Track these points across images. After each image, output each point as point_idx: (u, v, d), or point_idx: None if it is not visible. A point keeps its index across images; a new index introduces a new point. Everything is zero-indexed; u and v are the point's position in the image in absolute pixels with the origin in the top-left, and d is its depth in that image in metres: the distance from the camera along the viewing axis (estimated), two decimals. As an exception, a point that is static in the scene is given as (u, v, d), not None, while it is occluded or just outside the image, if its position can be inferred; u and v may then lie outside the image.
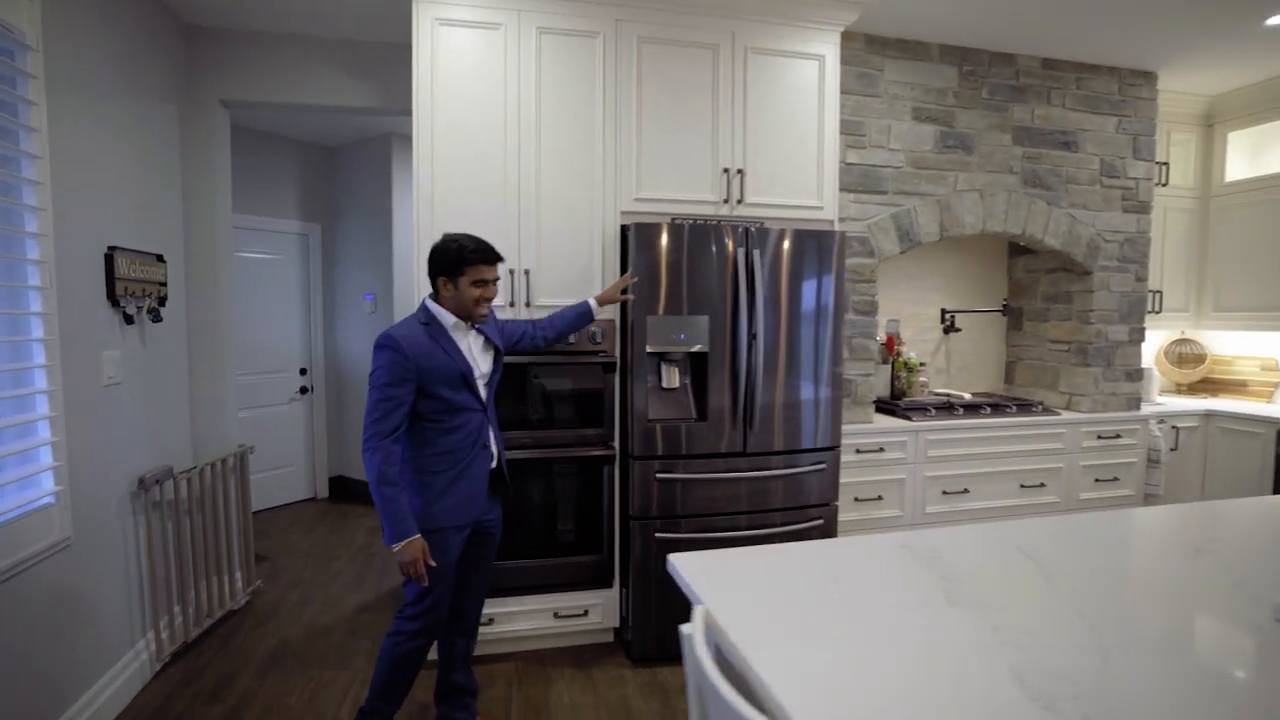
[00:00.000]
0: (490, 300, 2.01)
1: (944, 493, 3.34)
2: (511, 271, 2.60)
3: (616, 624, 2.82)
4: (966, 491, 3.37)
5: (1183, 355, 4.44)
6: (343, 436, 5.14)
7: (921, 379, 3.71)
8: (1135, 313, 3.74)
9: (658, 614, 2.67)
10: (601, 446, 2.72)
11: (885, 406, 3.55)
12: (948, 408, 3.44)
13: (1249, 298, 3.98)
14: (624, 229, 2.67)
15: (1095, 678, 0.97)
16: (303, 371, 5.00)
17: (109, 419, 2.36)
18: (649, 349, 2.62)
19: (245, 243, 4.52)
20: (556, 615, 2.73)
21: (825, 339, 2.77)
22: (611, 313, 2.68)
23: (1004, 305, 4.11)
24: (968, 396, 3.71)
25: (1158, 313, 4.10)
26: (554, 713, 2.38)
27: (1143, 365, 3.84)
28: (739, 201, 2.80)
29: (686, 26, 2.72)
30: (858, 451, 3.17)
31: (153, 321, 2.63)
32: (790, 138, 2.85)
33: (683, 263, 2.61)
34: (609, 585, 2.78)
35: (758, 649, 1.05)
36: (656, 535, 2.64)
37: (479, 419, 2.03)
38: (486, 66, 2.57)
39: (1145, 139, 3.68)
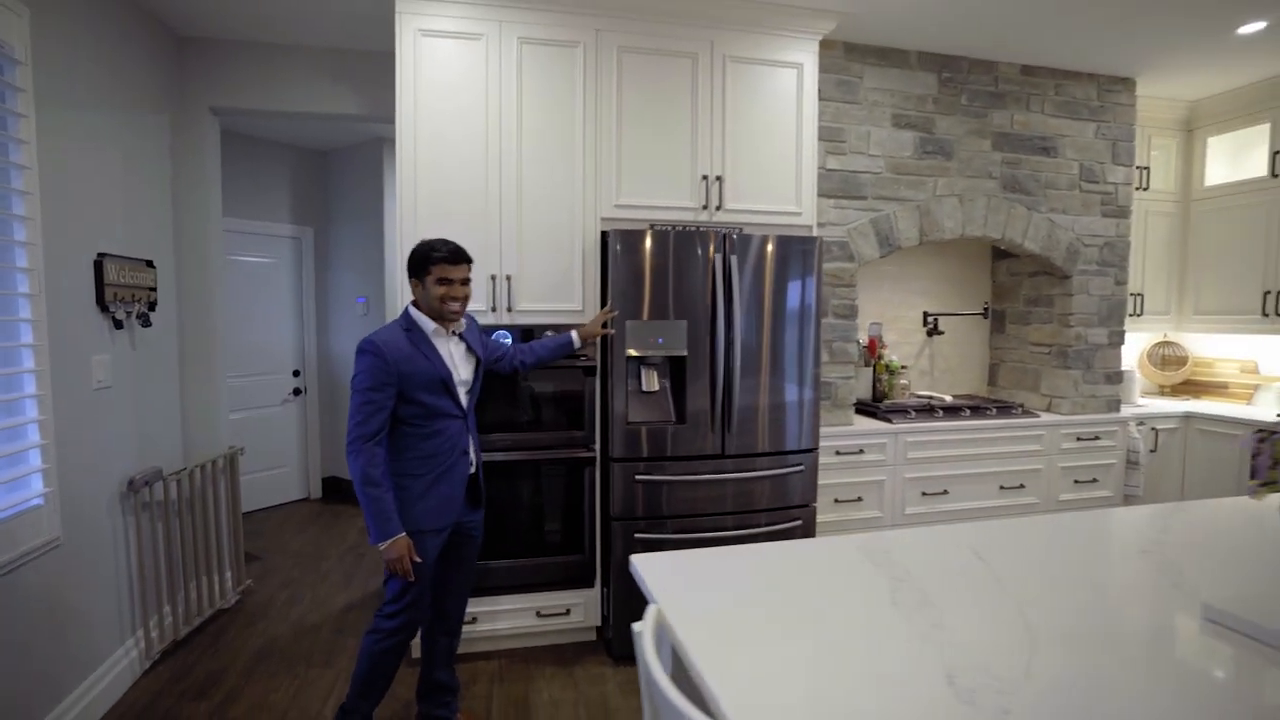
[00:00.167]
0: (457, 300, 2.03)
1: (924, 494, 3.39)
2: (493, 277, 2.65)
3: (598, 623, 2.87)
4: (946, 493, 3.42)
5: (1165, 358, 4.49)
6: (335, 437, 5.19)
7: (903, 381, 3.76)
8: (1115, 316, 3.78)
9: (638, 613, 2.68)
10: (582, 449, 2.77)
11: (866, 409, 3.60)
12: (928, 410, 3.49)
13: (1227, 301, 4.03)
14: (604, 235, 2.71)
15: (1019, 674, 1.02)
16: (296, 373, 5.05)
17: (98, 422, 2.41)
18: (630, 353, 2.67)
19: (239, 247, 4.57)
20: (539, 614, 2.78)
21: (804, 343, 2.82)
22: (592, 314, 2.73)
23: (985, 308, 4.15)
24: (948, 399, 3.76)
25: (1139, 316, 4.15)
26: (535, 709, 2.43)
27: (1123, 368, 3.89)
28: (718, 208, 2.85)
29: (666, 36, 2.77)
30: (837, 453, 3.22)
31: (142, 326, 2.68)
32: (769, 145, 2.90)
33: (663, 268, 2.66)
34: (591, 585, 2.83)
35: (701, 647, 1.11)
36: (637, 536, 2.69)
37: (459, 425, 2.08)
38: (469, 76, 2.62)
39: (1124, 144, 3.72)
